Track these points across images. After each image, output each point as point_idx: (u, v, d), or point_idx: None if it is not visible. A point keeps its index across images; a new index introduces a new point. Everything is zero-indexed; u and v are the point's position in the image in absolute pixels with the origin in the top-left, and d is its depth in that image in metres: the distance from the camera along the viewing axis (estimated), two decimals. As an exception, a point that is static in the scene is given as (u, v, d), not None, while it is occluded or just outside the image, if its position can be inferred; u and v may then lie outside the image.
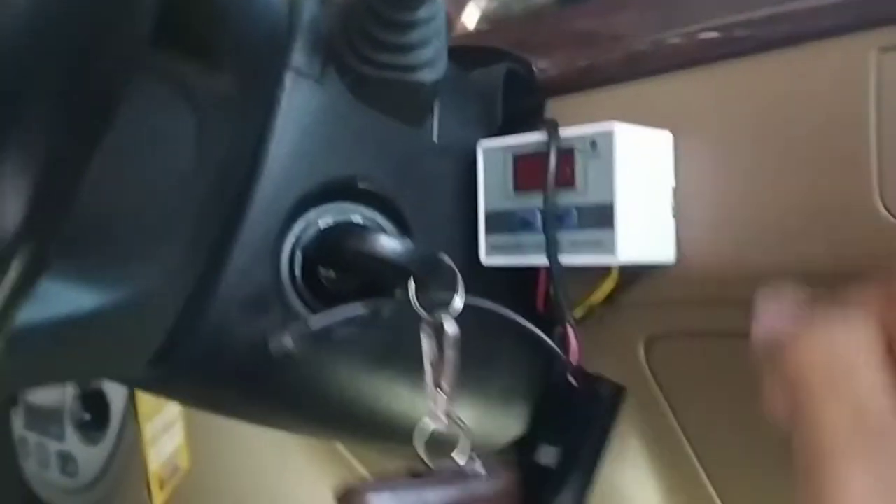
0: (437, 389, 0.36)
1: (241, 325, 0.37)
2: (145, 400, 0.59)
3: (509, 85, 0.45)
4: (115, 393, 0.82)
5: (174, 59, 0.31)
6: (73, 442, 0.87)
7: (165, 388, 0.41)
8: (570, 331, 0.36)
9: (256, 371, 0.39)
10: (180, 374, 0.38)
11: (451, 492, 0.34)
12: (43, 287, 0.30)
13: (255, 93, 0.35)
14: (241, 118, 0.34)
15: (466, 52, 0.48)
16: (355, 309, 0.37)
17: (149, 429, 0.58)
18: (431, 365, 0.36)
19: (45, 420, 0.91)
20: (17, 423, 0.98)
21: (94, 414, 0.84)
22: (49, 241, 0.23)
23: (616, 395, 0.33)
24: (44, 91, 0.22)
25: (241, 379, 0.39)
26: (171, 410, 0.64)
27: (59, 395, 0.89)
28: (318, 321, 0.36)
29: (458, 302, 0.37)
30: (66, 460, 0.88)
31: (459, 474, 0.35)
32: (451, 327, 0.35)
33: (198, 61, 0.31)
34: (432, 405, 0.36)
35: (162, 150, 0.32)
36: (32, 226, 0.23)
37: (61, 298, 0.30)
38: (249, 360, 0.38)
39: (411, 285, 0.36)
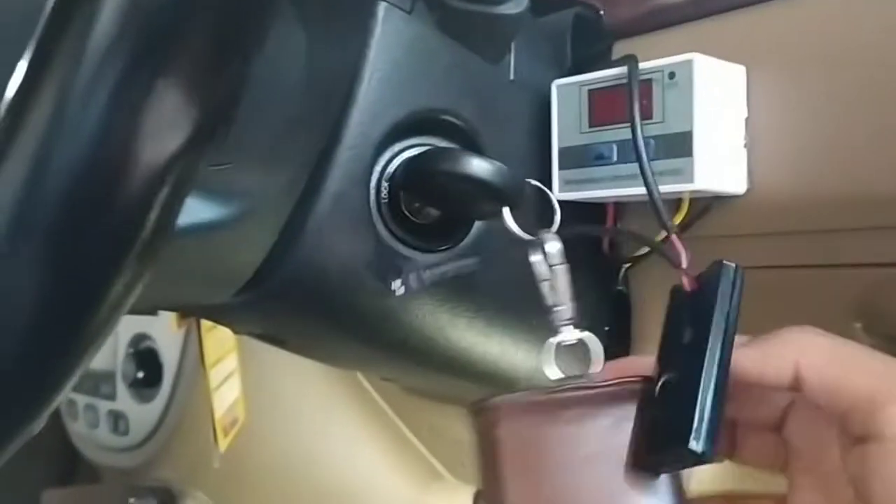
0: (558, 304, 0.36)
1: (333, 249, 0.38)
2: (211, 348, 0.61)
3: (578, 28, 0.47)
4: (167, 351, 0.85)
5: None
6: (124, 401, 0.89)
7: (252, 314, 0.42)
8: (675, 239, 0.36)
9: (345, 295, 0.40)
10: (272, 297, 0.39)
11: (582, 409, 0.33)
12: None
13: (352, 19, 0.37)
14: (341, 42, 0.36)
15: (537, 0, 0.49)
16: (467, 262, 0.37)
17: (214, 376, 0.60)
18: (546, 281, 0.36)
19: (95, 381, 0.93)
20: (65, 386, 1.01)
21: (147, 372, 0.86)
22: (210, 148, 0.25)
23: (738, 270, 0.33)
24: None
25: (329, 304, 0.41)
26: (230, 362, 0.66)
27: (110, 357, 0.91)
28: (432, 274, 0.37)
29: (557, 220, 0.38)
30: (117, 419, 0.91)
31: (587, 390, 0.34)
32: (558, 243, 0.36)
33: None
34: (555, 319, 0.36)
35: (276, 63, 0.33)
36: (199, 134, 0.24)
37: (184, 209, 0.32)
38: (338, 284, 0.39)
39: (507, 210, 0.37)
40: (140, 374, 0.86)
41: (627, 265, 0.48)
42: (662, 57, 0.40)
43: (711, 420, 0.30)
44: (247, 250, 0.36)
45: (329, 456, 0.84)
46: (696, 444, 0.29)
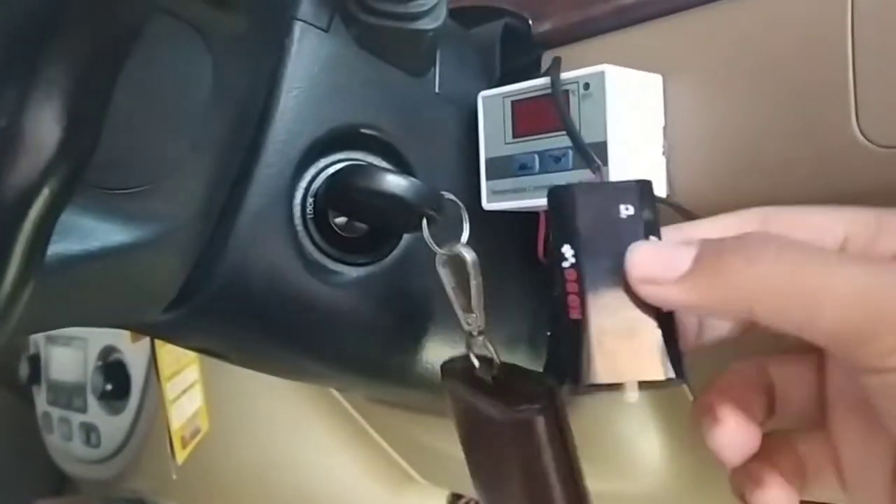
0: (468, 313, 0.37)
1: (257, 267, 0.39)
2: (166, 361, 0.62)
3: (507, 39, 0.47)
4: (135, 363, 0.85)
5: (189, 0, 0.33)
6: (95, 413, 0.90)
7: (185, 331, 0.43)
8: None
9: (272, 312, 0.41)
10: (200, 314, 0.40)
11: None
12: (73, 221, 0.32)
13: (265, 40, 0.37)
14: (254, 62, 0.36)
15: (466, 12, 0.50)
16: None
17: (170, 389, 0.61)
18: (454, 292, 0.38)
19: (68, 394, 0.94)
20: (40, 399, 1.01)
21: (116, 384, 0.86)
22: (80, 166, 0.25)
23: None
24: (72, 20, 0.24)
25: (256, 320, 0.41)
26: (191, 373, 0.67)
27: (80, 370, 0.92)
28: None
29: (466, 233, 0.38)
30: (89, 432, 0.91)
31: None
32: (469, 254, 0.37)
33: (212, 2, 0.33)
34: (466, 327, 0.37)
35: (181, 85, 0.34)
36: (66, 149, 0.24)
37: (91, 232, 0.32)
38: (264, 301, 0.40)
39: (424, 223, 0.38)
40: (109, 387, 0.86)
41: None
42: (589, 65, 0.41)
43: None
44: (167, 270, 0.37)
45: (299, 462, 0.85)
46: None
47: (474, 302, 0.37)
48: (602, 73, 0.39)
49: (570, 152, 0.40)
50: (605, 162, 0.39)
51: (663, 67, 0.41)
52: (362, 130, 0.41)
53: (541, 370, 0.52)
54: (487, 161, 0.44)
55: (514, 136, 0.43)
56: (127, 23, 0.25)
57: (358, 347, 0.44)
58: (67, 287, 0.33)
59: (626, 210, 0.31)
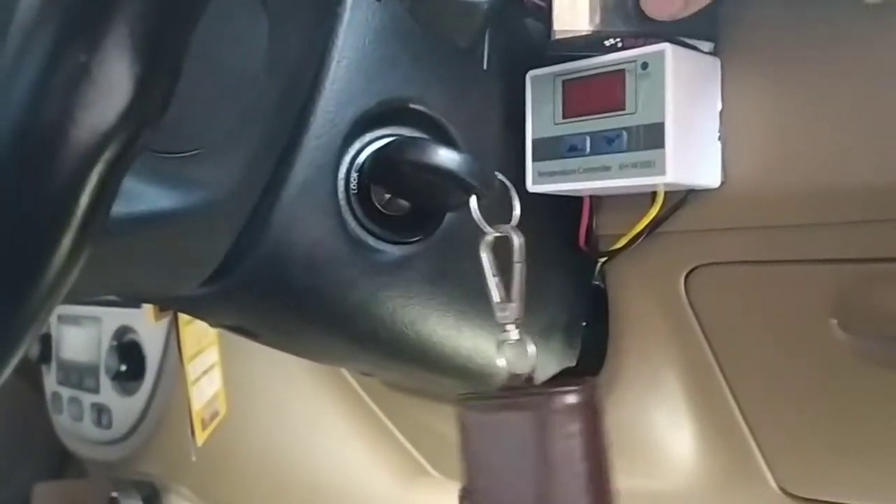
0: (507, 301, 0.37)
1: (300, 240, 0.38)
2: (188, 342, 0.61)
3: None
4: (150, 344, 0.84)
5: None
6: (108, 393, 0.89)
7: (222, 306, 0.42)
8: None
9: (311, 290, 0.40)
10: (239, 288, 0.39)
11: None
12: (126, 185, 0.31)
13: (319, 6, 0.36)
14: (307, 30, 0.35)
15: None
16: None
17: (191, 370, 0.60)
18: (494, 279, 0.37)
19: (79, 374, 0.93)
20: (50, 379, 1.00)
21: (130, 365, 0.85)
22: (156, 115, 0.24)
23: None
24: None
25: (295, 297, 0.40)
26: (211, 355, 0.66)
27: (94, 350, 0.91)
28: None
29: (517, 214, 0.38)
30: (100, 412, 0.90)
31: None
32: (518, 237, 0.36)
33: None
34: (501, 318, 0.36)
35: (237, 48, 0.33)
36: (144, 94, 0.23)
37: (139, 196, 0.31)
38: (305, 275, 0.39)
39: (473, 200, 0.37)
40: (123, 367, 0.85)
41: (603, 260, 0.48)
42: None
43: None
44: (211, 240, 0.36)
45: (313, 450, 0.84)
46: None
47: (515, 289, 0.36)
48: (662, 52, 0.38)
49: (625, 133, 0.39)
50: (662, 144, 0.38)
51: (722, 50, 0.40)
52: (410, 105, 0.40)
53: (575, 360, 0.52)
54: (535, 142, 0.43)
55: (564, 117, 0.42)
56: None
57: (394, 329, 0.42)
58: (111, 251, 0.32)
59: None
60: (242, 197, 0.35)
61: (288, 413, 0.81)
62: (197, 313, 0.47)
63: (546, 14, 0.38)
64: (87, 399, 0.92)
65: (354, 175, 0.39)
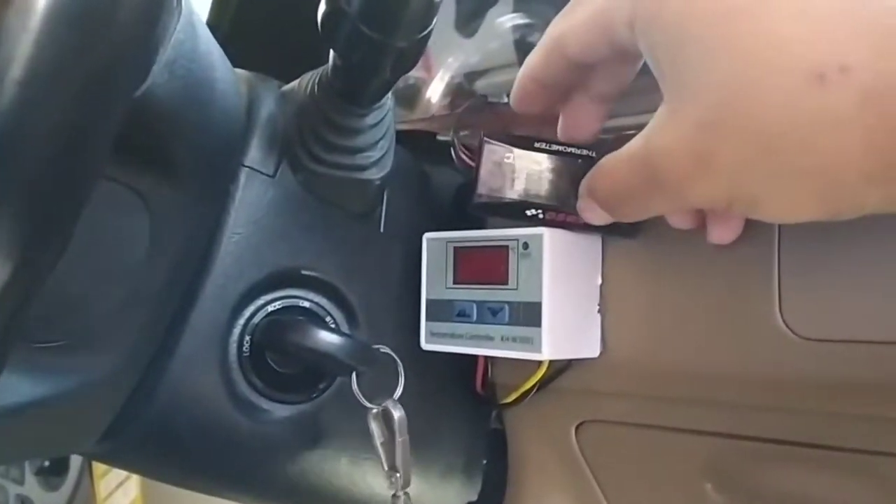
0: (393, 471, 0.38)
1: (186, 409, 0.39)
2: (101, 457, 0.61)
3: (461, 189, 0.48)
4: (75, 441, 0.83)
5: (132, 171, 0.33)
6: (32, 487, 0.88)
7: (114, 460, 0.43)
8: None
9: (201, 452, 0.40)
10: (127, 450, 0.40)
11: None
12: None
13: (209, 190, 0.37)
14: (194, 216, 0.37)
15: (422, 140, 0.50)
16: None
17: (103, 486, 0.60)
18: (383, 447, 0.38)
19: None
20: (-21, 464, 0.99)
21: (53, 461, 0.85)
22: (10, 341, 0.25)
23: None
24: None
25: (186, 458, 0.41)
26: (128, 464, 0.66)
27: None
28: None
29: (399, 389, 0.39)
30: (24, 504, 0.89)
31: None
32: (397, 411, 0.37)
33: (155, 173, 0.34)
34: (390, 486, 0.38)
35: (114, 246, 0.34)
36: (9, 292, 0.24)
37: (8, 388, 0.32)
38: (194, 441, 0.40)
39: (353, 379, 0.38)
40: (46, 463, 0.84)
41: (502, 404, 0.49)
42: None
43: None
44: (90, 417, 0.36)
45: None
46: None
47: (398, 460, 0.37)
48: (541, 236, 0.39)
49: (507, 307, 0.41)
50: (539, 323, 0.39)
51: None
52: (303, 272, 0.41)
53: (475, 495, 0.53)
54: (428, 302, 0.45)
55: (454, 282, 0.43)
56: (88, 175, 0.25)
57: (287, 484, 0.43)
58: None
59: None
60: (123, 376, 0.36)
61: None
62: (102, 462, 0.47)
63: (473, 175, 0.38)
64: (13, 489, 0.91)
65: (247, 338, 0.41)
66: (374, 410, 0.38)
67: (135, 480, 0.66)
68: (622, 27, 0.31)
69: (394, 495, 0.38)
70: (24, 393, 0.32)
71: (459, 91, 0.64)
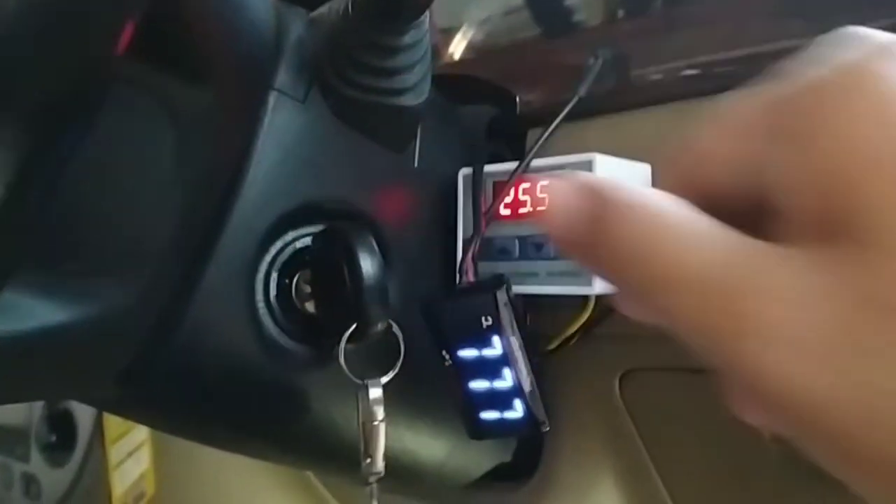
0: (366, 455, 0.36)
1: (212, 345, 0.36)
2: (113, 423, 0.58)
3: (494, 123, 0.46)
4: (82, 414, 0.81)
5: (156, 71, 0.30)
6: (37, 463, 0.85)
7: (133, 408, 0.40)
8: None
9: (223, 395, 0.38)
10: (149, 393, 0.37)
11: None
12: (9, 299, 0.29)
13: (237, 110, 0.35)
14: (222, 135, 0.34)
15: (452, 82, 0.48)
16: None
17: (114, 452, 0.57)
18: (363, 428, 0.36)
19: (10, 440, 0.89)
20: (-19, 443, 0.97)
21: (61, 435, 0.82)
22: (13, 254, 0.23)
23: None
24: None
25: (209, 403, 0.38)
26: (138, 435, 0.63)
27: (25, 416, 0.87)
28: None
29: (389, 376, 0.37)
30: (29, 482, 0.87)
31: None
32: (373, 391, 0.36)
33: (180, 74, 0.31)
34: (364, 468, 0.35)
35: (140, 162, 0.32)
36: None
37: (28, 312, 0.30)
38: (218, 380, 0.37)
39: (343, 341, 0.36)
40: (53, 438, 0.82)
41: (542, 353, 0.47)
42: (575, 148, 0.39)
43: None
44: (111, 350, 0.34)
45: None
46: None
47: (374, 445, 0.35)
48: (591, 162, 0.37)
49: (553, 241, 0.38)
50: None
51: (652, 157, 0.40)
52: (335, 205, 0.39)
53: (510, 455, 0.50)
54: (465, 241, 0.42)
55: (494, 218, 0.41)
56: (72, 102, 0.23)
57: (312, 435, 0.41)
58: (4, 366, 0.30)
59: (486, 321, 0.38)
60: (146, 307, 0.34)
61: (224, 491, 0.79)
62: (118, 413, 0.45)
63: None
64: (18, 467, 0.88)
65: (274, 275, 0.38)
66: (361, 385, 0.36)
67: (147, 450, 0.64)
68: None
69: (366, 480, 0.36)
70: (46, 318, 0.30)
71: (482, 46, 0.62)
